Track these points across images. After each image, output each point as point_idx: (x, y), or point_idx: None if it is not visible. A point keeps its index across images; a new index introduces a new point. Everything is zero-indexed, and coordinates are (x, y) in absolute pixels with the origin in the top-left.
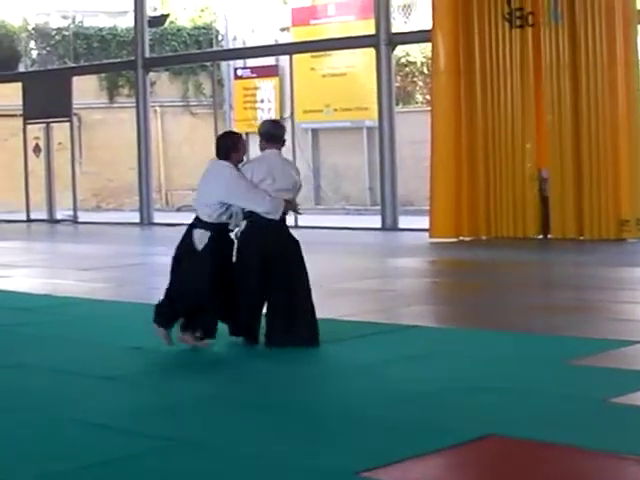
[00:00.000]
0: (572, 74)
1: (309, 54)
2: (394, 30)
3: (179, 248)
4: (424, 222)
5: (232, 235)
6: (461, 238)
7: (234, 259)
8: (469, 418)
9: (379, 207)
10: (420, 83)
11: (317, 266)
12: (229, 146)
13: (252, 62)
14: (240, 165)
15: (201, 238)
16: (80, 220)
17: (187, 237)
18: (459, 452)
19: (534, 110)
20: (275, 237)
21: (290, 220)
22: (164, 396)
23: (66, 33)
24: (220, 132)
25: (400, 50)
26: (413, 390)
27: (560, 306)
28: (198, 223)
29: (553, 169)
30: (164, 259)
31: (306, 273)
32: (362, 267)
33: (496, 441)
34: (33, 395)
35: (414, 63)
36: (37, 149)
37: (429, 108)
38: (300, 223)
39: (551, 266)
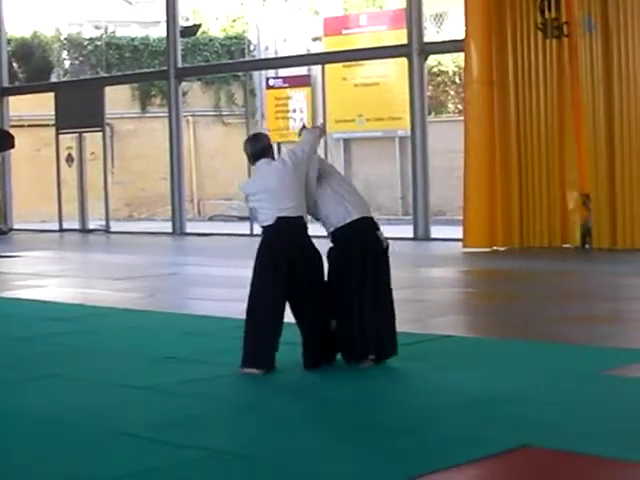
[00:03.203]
0: (605, 85)
1: (341, 64)
2: (426, 40)
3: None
4: (456, 232)
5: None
6: (495, 248)
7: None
8: (504, 429)
9: (411, 217)
10: (452, 92)
11: None
12: None
13: (284, 72)
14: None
15: None
16: (112, 230)
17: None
18: (494, 463)
19: (573, 121)
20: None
21: (321, 230)
22: (199, 406)
23: (98, 43)
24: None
25: (432, 59)
26: (446, 401)
27: (595, 316)
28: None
29: (588, 180)
30: (196, 269)
31: None
32: (394, 277)
33: (531, 452)
34: (68, 405)
35: (446, 72)
36: (70, 159)
37: (461, 118)
38: None
39: (586, 276)
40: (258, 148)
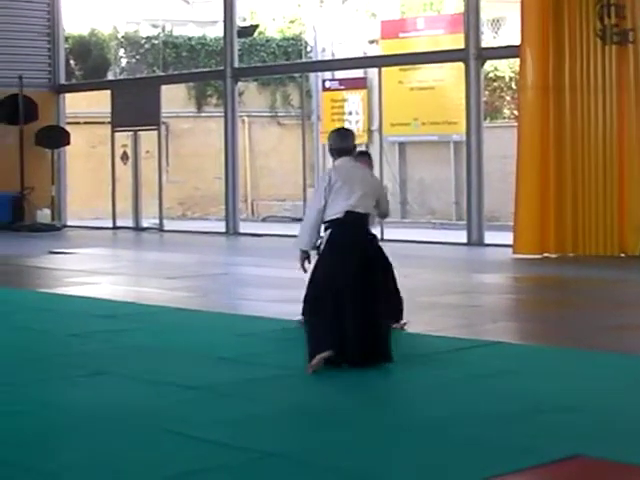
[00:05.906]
0: None
1: (397, 67)
2: (483, 45)
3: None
4: (510, 238)
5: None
6: (546, 255)
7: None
8: (554, 437)
9: (465, 222)
10: (508, 98)
11: (402, 280)
12: None
13: (340, 74)
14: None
15: None
16: (166, 228)
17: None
18: (544, 472)
19: (635, 130)
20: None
21: (377, 232)
22: (249, 407)
23: (155, 42)
24: (307, 143)
25: (488, 65)
26: (496, 407)
27: None
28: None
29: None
30: (249, 269)
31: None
32: (447, 282)
33: (583, 462)
34: (119, 404)
35: (502, 78)
36: (125, 157)
37: (516, 123)
38: (386, 236)
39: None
40: (350, 145)
